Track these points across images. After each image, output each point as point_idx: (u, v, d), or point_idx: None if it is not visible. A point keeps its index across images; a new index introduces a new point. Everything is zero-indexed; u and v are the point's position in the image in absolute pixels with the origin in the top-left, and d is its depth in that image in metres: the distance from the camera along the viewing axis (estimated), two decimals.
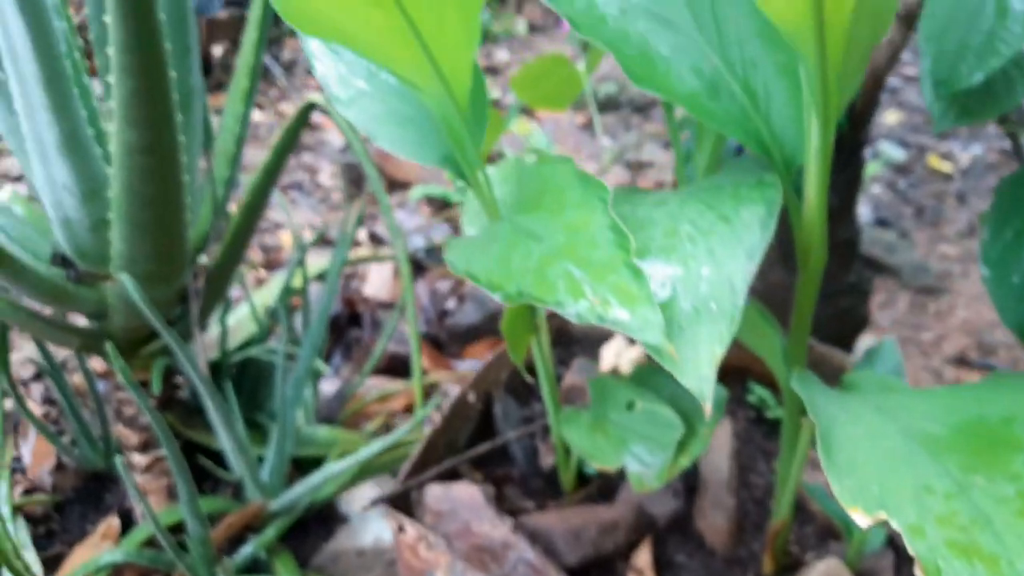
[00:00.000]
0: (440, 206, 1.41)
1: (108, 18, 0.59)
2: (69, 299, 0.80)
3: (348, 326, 1.23)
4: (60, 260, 0.82)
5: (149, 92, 0.62)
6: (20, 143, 0.77)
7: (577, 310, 0.38)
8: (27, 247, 0.81)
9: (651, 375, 0.62)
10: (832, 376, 0.80)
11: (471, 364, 1.17)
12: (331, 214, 1.41)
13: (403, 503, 0.64)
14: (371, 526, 0.95)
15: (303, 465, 1.00)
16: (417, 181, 1.41)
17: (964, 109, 0.77)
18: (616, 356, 0.77)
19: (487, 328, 1.20)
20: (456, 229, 1.39)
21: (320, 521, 0.97)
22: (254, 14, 0.80)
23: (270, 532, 0.89)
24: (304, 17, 0.40)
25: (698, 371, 0.37)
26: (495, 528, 0.57)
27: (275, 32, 1.92)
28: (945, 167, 1.96)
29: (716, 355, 0.37)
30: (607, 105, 1.69)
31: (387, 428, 1.12)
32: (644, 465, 0.55)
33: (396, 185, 1.42)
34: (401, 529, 0.58)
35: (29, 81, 0.69)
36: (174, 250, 0.77)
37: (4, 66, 0.71)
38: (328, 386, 1.13)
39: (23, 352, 1.18)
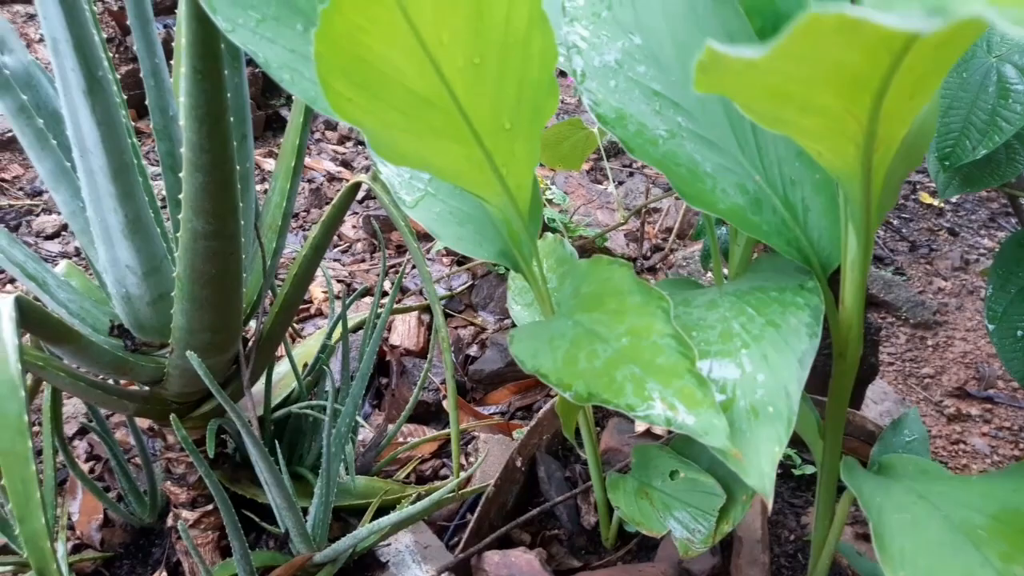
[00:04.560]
0: (461, 257, 1.46)
1: (182, 122, 0.64)
2: (128, 368, 0.84)
3: (376, 374, 1.28)
4: (118, 331, 0.86)
5: (217, 186, 0.67)
6: (83, 226, 0.81)
7: (646, 413, 0.43)
8: (86, 320, 0.86)
9: (690, 443, 0.67)
10: (850, 433, 0.84)
11: (496, 409, 1.22)
12: (355, 265, 1.46)
13: (463, 570, 0.68)
14: (409, 573, 0.99)
15: (342, 514, 1.04)
16: None
17: (967, 179, 0.82)
18: None
19: (509, 373, 1.24)
20: (475, 276, 1.43)
21: (361, 568, 1.01)
22: (300, 100, 0.84)
23: None
24: (394, 153, 0.45)
25: (760, 470, 0.42)
26: None
27: None
28: (936, 202, 2.02)
29: (775, 455, 0.42)
30: (611, 151, 1.75)
31: (417, 473, 1.16)
32: (688, 531, 0.60)
33: (418, 236, 1.47)
34: None
35: (97, 172, 0.73)
36: (230, 321, 0.82)
37: (72, 157, 0.76)
38: (361, 433, 1.17)
39: (65, 409, 1.22)
